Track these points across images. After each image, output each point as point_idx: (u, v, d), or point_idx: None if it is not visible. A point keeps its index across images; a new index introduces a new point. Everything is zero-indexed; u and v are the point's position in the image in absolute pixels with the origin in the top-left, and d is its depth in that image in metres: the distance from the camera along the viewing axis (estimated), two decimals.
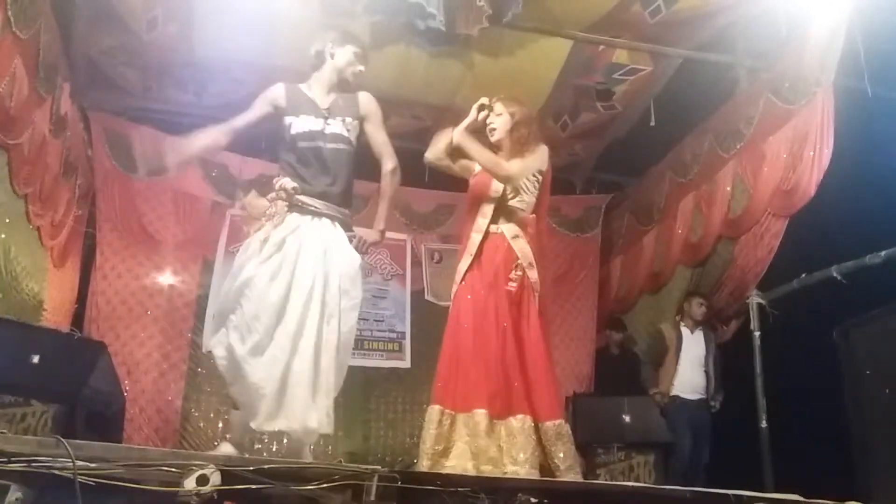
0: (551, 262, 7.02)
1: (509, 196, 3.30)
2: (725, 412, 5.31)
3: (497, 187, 3.29)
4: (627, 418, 5.33)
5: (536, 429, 3.04)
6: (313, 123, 3.15)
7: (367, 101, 3.28)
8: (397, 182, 3.29)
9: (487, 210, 3.29)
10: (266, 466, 1.94)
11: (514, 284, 3.19)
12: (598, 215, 7.16)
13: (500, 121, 3.37)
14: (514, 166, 3.25)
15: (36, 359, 3.79)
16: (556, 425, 3.07)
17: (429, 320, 6.04)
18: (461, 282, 3.28)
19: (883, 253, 3.98)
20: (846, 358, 3.97)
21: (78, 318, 5.53)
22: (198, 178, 6.21)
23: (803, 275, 4.55)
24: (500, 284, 3.19)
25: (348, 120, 3.20)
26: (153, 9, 4.95)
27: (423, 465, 2.95)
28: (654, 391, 5.41)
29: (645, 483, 5.05)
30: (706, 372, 5.36)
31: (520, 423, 3.00)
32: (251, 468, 1.93)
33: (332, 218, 3.11)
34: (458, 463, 2.94)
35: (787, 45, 4.89)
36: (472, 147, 3.28)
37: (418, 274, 6.66)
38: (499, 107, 3.39)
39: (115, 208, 5.87)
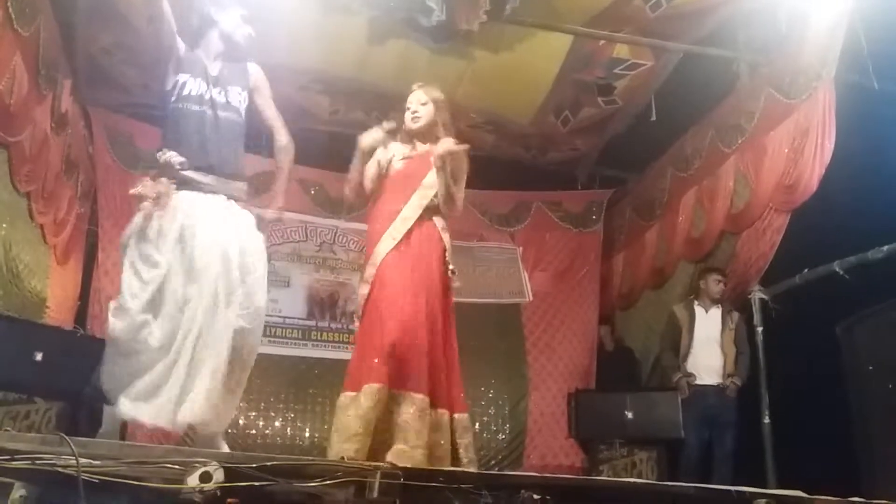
0: (553, 257, 7.04)
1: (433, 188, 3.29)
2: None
3: (433, 178, 3.27)
4: (630, 414, 5.27)
5: (451, 422, 3.05)
6: (203, 88, 2.98)
7: (256, 72, 3.16)
8: (292, 157, 3.21)
9: (415, 197, 3.25)
10: (269, 464, 1.94)
11: (445, 269, 3.21)
12: (599, 210, 7.15)
13: (424, 109, 3.35)
14: (460, 195, 3.29)
15: (39, 356, 3.80)
16: (466, 418, 3.14)
17: None
18: (385, 261, 3.15)
19: (885, 248, 3.97)
20: (849, 353, 3.96)
21: (81, 316, 5.53)
22: None
23: (806, 270, 4.54)
24: (434, 274, 3.17)
25: (237, 89, 3.05)
26: (153, 5, 4.93)
27: (350, 449, 2.79)
28: (678, 376, 5.10)
29: (647, 479, 5.05)
30: (723, 352, 5.09)
31: (441, 416, 3.01)
32: (254, 465, 1.93)
33: (225, 195, 2.94)
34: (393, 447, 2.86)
35: (788, 39, 4.88)
36: (442, 180, 3.25)
37: None
38: (422, 95, 3.37)
39: (116, 205, 5.87)
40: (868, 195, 4.67)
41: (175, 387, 2.64)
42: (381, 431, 2.92)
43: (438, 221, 3.29)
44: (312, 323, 6.33)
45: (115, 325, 2.74)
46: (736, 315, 5.18)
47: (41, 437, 2.00)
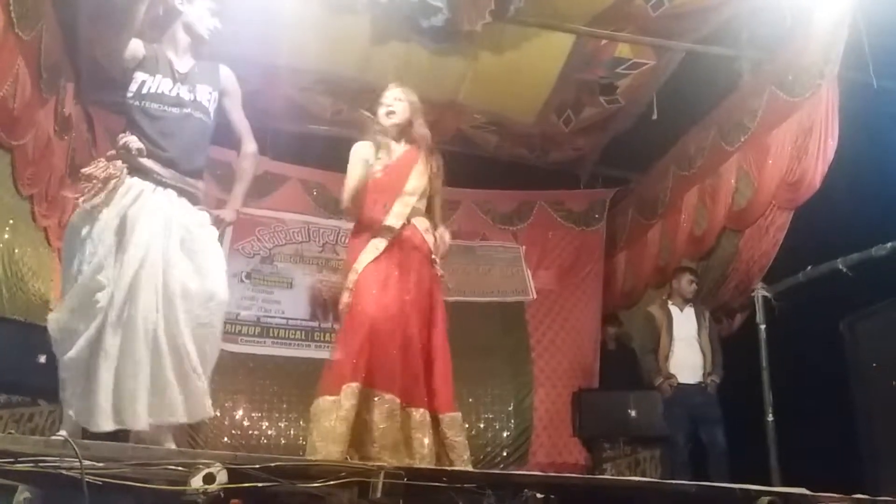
0: (557, 256, 7.04)
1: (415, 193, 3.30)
2: (731, 405, 5.26)
3: (413, 184, 3.29)
4: (633, 413, 5.29)
5: (436, 421, 3.04)
6: (168, 86, 2.90)
7: (227, 76, 3.09)
8: (256, 164, 3.17)
9: (397, 205, 3.26)
10: (273, 465, 1.95)
11: (429, 268, 3.22)
12: (602, 209, 7.15)
13: (400, 106, 3.37)
14: (444, 232, 3.30)
15: (42, 359, 3.79)
16: (459, 417, 3.12)
17: None
18: (367, 268, 3.17)
19: (889, 245, 3.96)
20: (852, 350, 3.97)
21: None
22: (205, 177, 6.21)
23: (809, 267, 4.54)
24: (418, 276, 3.18)
25: (208, 89, 2.98)
26: (155, 8, 4.95)
27: (335, 451, 2.81)
28: (659, 380, 5.05)
29: (651, 477, 5.05)
30: (701, 350, 5.07)
31: (421, 416, 2.99)
32: (257, 466, 1.94)
33: (179, 191, 2.83)
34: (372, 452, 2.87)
35: (790, 37, 4.87)
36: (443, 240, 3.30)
37: None
38: (398, 93, 3.39)
39: None
40: (871, 192, 4.67)
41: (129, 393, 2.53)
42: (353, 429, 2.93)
43: (421, 223, 3.30)
44: (315, 324, 6.34)
45: (53, 325, 2.62)
46: (707, 313, 5.21)
47: (45, 439, 2.00)
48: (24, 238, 4.51)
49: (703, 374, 5.01)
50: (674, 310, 5.21)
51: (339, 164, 3.33)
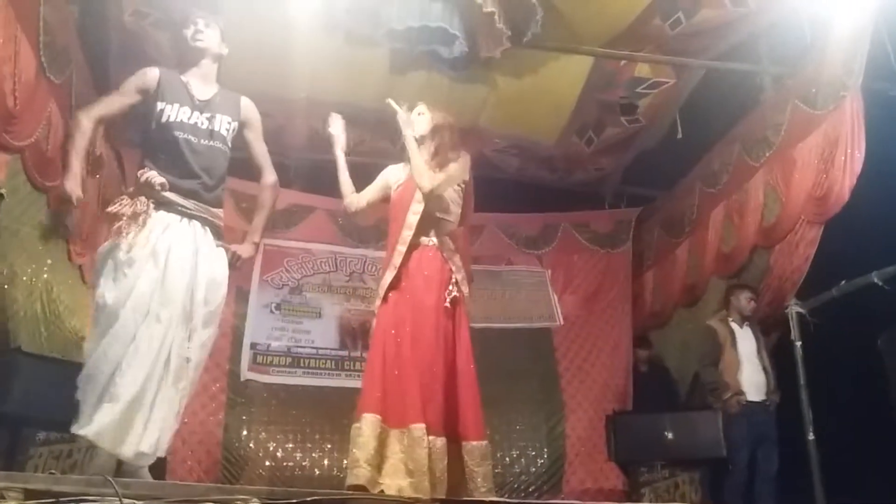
0: (583, 280, 7.00)
1: (436, 208, 3.27)
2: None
3: (419, 203, 3.28)
4: (670, 434, 5.19)
5: (459, 449, 3.00)
6: (187, 115, 2.93)
7: (248, 107, 3.14)
8: (276, 196, 3.20)
9: (412, 221, 3.25)
10: (309, 499, 1.95)
11: (455, 295, 3.18)
12: (628, 229, 7.10)
13: (420, 119, 3.39)
14: (437, 178, 3.23)
15: (79, 395, 3.85)
16: (483, 446, 3.05)
17: None
18: (387, 294, 3.20)
19: None
20: (892, 365, 3.88)
21: None
22: (230, 210, 6.26)
23: (843, 282, 4.45)
24: (437, 298, 3.15)
25: (227, 119, 3.02)
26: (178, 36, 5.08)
27: (360, 478, 2.83)
28: (728, 395, 4.90)
29: (691, 501, 4.96)
30: (763, 368, 5.01)
31: (442, 443, 2.95)
32: (294, 501, 1.94)
33: (202, 221, 2.90)
34: (393, 482, 2.85)
35: (811, 49, 4.85)
36: (413, 148, 3.29)
37: None
38: (422, 107, 3.43)
39: None
40: None
41: (140, 414, 2.62)
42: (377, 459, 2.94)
43: (446, 244, 3.26)
44: (345, 353, 6.35)
45: (86, 345, 2.76)
46: (759, 330, 5.15)
47: (86, 478, 2.03)
48: (60, 276, 4.59)
49: (766, 393, 4.95)
50: (734, 326, 5.16)
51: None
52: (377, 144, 6.16)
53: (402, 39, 4.89)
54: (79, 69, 4.53)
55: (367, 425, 2.94)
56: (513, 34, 4.74)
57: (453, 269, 3.23)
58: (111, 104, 2.97)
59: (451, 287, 3.20)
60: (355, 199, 3.50)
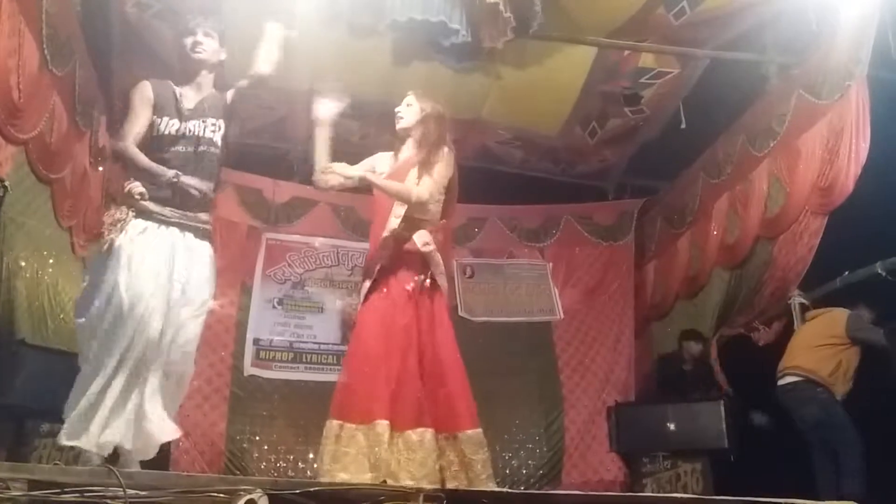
0: (584, 273, 6.99)
1: (416, 211, 3.24)
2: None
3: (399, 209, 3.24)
4: (672, 426, 5.19)
5: (455, 439, 3.00)
6: (175, 126, 3.01)
7: (233, 94, 3.16)
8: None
9: (394, 225, 3.22)
10: (312, 489, 1.96)
11: (424, 287, 3.17)
12: (630, 221, 7.07)
13: (409, 111, 3.35)
14: (424, 188, 3.18)
15: None
16: (478, 434, 3.04)
17: (463, 337, 6.00)
18: (369, 292, 3.19)
19: None
20: None
21: None
22: (234, 204, 6.30)
23: (846, 273, 4.45)
24: (410, 293, 3.14)
25: (212, 121, 3.07)
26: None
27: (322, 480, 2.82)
28: None
29: (693, 492, 4.96)
30: None
31: (419, 436, 2.93)
32: (297, 491, 1.95)
33: (181, 226, 2.99)
34: (354, 476, 2.83)
35: (816, 39, 4.81)
36: (382, 184, 3.23)
37: (451, 290, 6.61)
38: (410, 98, 3.38)
39: None
40: None
41: (105, 409, 2.74)
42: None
43: (420, 237, 3.22)
44: (346, 348, 6.35)
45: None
46: None
47: (89, 469, 2.04)
48: (65, 269, 4.60)
49: None
50: None
51: (367, 187, 3.35)
52: (381, 139, 6.14)
53: (404, 31, 4.87)
54: (81, 61, 4.54)
55: (330, 429, 2.99)
56: (517, 24, 4.71)
57: (431, 266, 3.22)
58: (138, 121, 3.02)
59: (425, 280, 3.19)
60: (323, 179, 3.32)
